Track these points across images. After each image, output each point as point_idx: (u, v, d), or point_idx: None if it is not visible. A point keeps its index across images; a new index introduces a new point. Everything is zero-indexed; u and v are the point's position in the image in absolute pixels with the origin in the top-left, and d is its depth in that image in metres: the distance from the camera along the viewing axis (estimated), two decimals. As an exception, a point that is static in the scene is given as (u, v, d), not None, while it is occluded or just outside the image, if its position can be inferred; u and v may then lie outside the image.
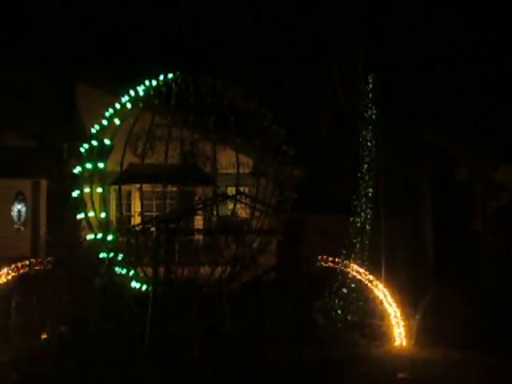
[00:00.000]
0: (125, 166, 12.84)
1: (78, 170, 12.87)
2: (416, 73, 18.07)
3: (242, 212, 13.15)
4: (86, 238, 12.98)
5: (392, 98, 15.90)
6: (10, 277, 11.98)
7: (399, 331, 13.42)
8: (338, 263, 14.13)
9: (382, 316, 13.68)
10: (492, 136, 18.02)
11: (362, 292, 14.36)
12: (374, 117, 15.65)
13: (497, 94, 18.12)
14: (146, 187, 13.19)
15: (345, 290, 14.80)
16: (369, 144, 15.65)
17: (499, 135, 17.98)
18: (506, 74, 18.20)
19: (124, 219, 14.34)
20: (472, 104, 18.13)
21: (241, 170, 12.99)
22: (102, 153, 12.65)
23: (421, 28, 18.18)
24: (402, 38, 17.76)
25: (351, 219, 15.43)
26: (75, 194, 12.80)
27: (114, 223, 13.51)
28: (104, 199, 12.78)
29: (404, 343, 13.33)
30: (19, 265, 12.01)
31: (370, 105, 15.74)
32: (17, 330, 10.59)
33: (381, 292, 13.59)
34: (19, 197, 18.75)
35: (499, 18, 18.18)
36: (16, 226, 18.69)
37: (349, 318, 14.54)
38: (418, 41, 18.06)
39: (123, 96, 13.03)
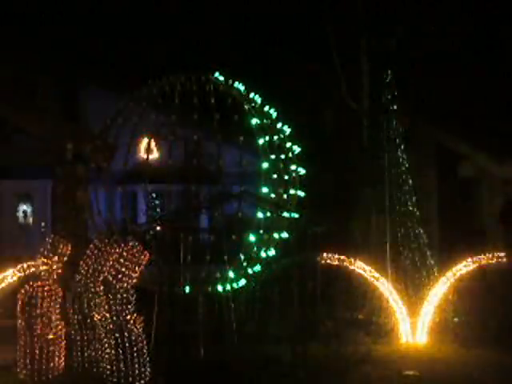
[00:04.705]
0: (129, 166, 12.84)
1: (82, 170, 12.88)
2: (420, 69, 18.05)
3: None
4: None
5: (396, 95, 15.87)
6: (16, 277, 11.98)
7: (405, 328, 13.42)
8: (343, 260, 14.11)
9: (388, 313, 13.69)
10: (496, 132, 17.99)
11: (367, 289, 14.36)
12: (378, 114, 15.65)
13: (500, 91, 18.09)
14: (151, 187, 13.20)
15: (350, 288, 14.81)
16: (374, 141, 15.66)
17: (503, 131, 17.95)
18: (510, 70, 18.18)
19: (129, 219, 14.35)
20: (476, 100, 18.11)
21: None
22: (106, 153, 12.65)
23: (425, 24, 18.17)
24: (406, 35, 17.74)
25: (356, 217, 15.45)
26: (80, 194, 12.81)
27: (119, 223, 13.51)
28: (109, 199, 12.79)
29: (410, 340, 13.34)
30: (25, 265, 11.99)
31: (374, 102, 15.75)
32: (23, 331, 10.56)
33: (387, 289, 13.59)
34: (24, 197, 18.82)
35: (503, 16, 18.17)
36: (21, 226, 18.77)
37: (354, 315, 14.56)
38: (421, 37, 18.05)
39: (127, 96, 13.03)
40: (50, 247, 10.59)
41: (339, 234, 15.70)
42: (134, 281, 9.91)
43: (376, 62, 16.57)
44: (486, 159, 19.23)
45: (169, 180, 12.57)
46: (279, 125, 13.12)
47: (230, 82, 13.18)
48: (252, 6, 19.65)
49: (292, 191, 13.01)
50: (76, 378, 10.69)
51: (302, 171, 13.20)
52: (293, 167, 13.05)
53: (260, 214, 12.54)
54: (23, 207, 18.95)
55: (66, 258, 10.75)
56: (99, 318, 10.09)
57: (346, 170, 17.82)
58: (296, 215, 13.04)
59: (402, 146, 15.32)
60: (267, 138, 12.84)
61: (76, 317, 10.85)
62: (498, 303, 14.16)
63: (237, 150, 12.75)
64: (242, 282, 12.68)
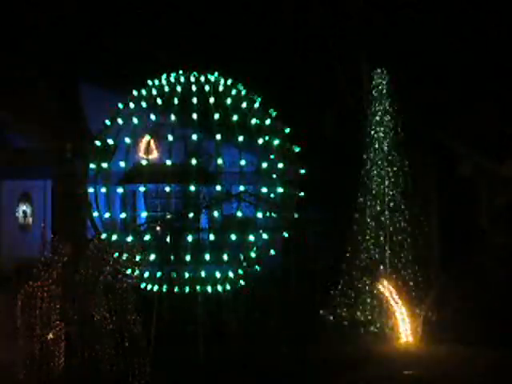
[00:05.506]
0: (129, 166, 12.85)
1: (82, 170, 12.89)
2: (419, 69, 18.04)
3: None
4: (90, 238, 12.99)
5: (396, 95, 15.89)
6: (15, 278, 12.00)
7: (405, 328, 13.42)
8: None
9: (388, 313, 13.69)
10: (495, 131, 17.99)
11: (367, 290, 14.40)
12: (378, 114, 15.65)
13: (500, 90, 18.09)
14: (151, 187, 13.20)
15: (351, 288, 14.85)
16: (373, 141, 15.67)
17: (503, 131, 17.95)
18: (509, 69, 18.17)
19: (129, 219, 14.34)
20: (475, 100, 18.10)
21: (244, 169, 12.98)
22: (105, 153, 12.66)
23: (424, 24, 18.16)
24: (406, 34, 17.73)
25: (355, 217, 15.47)
26: (80, 194, 12.82)
27: (119, 223, 13.52)
28: (108, 199, 12.79)
29: (410, 340, 13.34)
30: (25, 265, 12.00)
31: (374, 102, 15.75)
32: (23, 331, 10.56)
33: (386, 289, 13.59)
34: (24, 198, 18.81)
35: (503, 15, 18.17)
36: (21, 226, 18.76)
37: (355, 315, 14.58)
38: (421, 37, 18.03)
39: (126, 95, 13.04)
40: (50, 247, 10.59)
41: (338, 234, 15.69)
42: (134, 281, 9.92)
43: (376, 62, 16.55)
44: (485, 159, 19.21)
45: (168, 180, 12.57)
46: (279, 125, 13.14)
47: (230, 82, 13.19)
48: (251, 6, 19.65)
49: (291, 191, 13.02)
50: (76, 378, 10.68)
51: (301, 171, 13.21)
52: (292, 167, 13.06)
53: (260, 214, 12.56)
54: (23, 207, 18.94)
55: (65, 258, 10.75)
56: (99, 317, 10.09)
57: (346, 169, 17.79)
58: (296, 215, 13.05)
59: (402, 146, 15.35)
60: (267, 138, 12.87)
61: (76, 317, 10.83)
62: (494, 302, 14.20)
63: (236, 150, 12.77)
64: (242, 282, 12.71)
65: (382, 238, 15.00)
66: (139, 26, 19.56)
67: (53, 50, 18.54)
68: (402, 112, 15.62)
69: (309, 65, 19.43)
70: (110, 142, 12.83)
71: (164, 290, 12.35)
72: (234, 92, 13.10)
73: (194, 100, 12.59)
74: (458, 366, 11.66)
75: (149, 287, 12.55)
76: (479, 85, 18.08)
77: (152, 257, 12.26)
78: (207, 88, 12.90)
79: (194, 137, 12.52)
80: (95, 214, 12.79)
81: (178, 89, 12.96)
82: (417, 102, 17.47)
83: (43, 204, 18.70)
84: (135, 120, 12.71)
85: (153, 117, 12.69)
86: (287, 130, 13.26)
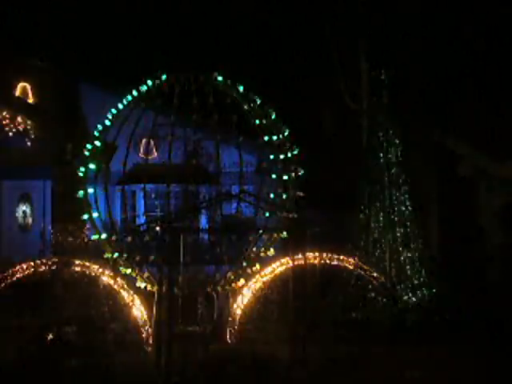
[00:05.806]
0: (129, 167, 12.85)
1: (81, 170, 12.88)
2: (420, 69, 18.06)
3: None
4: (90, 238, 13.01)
5: (396, 95, 15.89)
6: (15, 278, 11.99)
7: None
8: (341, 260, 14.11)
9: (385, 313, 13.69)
10: (496, 132, 18.01)
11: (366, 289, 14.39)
12: (377, 114, 15.66)
13: (501, 90, 18.10)
14: (151, 187, 13.22)
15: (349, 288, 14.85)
16: (372, 141, 15.68)
17: (503, 131, 17.96)
18: (509, 69, 18.19)
19: (128, 219, 14.36)
20: (476, 100, 18.13)
21: (244, 169, 12.99)
22: (105, 153, 12.65)
23: (425, 24, 18.18)
24: (406, 34, 17.75)
25: (355, 216, 15.49)
26: (79, 194, 12.81)
27: (119, 223, 13.53)
28: (108, 199, 12.79)
29: (408, 340, 13.33)
30: (24, 266, 12.01)
31: (373, 102, 15.76)
32: (22, 331, 10.58)
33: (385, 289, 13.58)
34: (24, 198, 18.81)
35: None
36: (21, 227, 18.76)
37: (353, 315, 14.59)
38: (422, 36, 18.06)
39: (126, 96, 13.04)
40: (50, 248, 10.61)
41: (338, 234, 15.71)
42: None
43: (375, 62, 16.57)
44: (485, 159, 19.23)
45: (168, 180, 12.58)
46: (278, 125, 13.14)
47: (230, 82, 13.19)
48: (251, 6, 19.67)
49: (291, 191, 13.02)
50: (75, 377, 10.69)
51: (301, 171, 13.20)
52: (292, 167, 13.06)
53: (259, 214, 12.56)
54: (23, 207, 18.95)
55: (65, 259, 10.77)
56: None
57: (346, 169, 17.82)
58: (295, 215, 13.03)
59: (402, 146, 15.36)
60: (266, 138, 12.87)
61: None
62: (494, 302, 14.19)
63: (236, 150, 12.78)
64: (242, 281, 12.71)
65: (381, 238, 15.02)
66: (140, 27, 19.59)
67: (54, 52, 18.57)
68: (401, 112, 15.63)
69: (308, 65, 19.46)
70: (110, 142, 12.82)
71: (164, 290, 12.33)
72: (233, 92, 13.10)
73: (194, 100, 12.60)
74: (458, 366, 11.66)
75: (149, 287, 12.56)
76: (479, 85, 18.11)
77: (152, 257, 12.27)
78: (207, 88, 12.90)
79: (194, 137, 12.53)
80: (95, 214, 12.77)
81: (178, 89, 12.96)
82: (417, 101, 17.50)
83: (43, 204, 18.70)
84: (135, 120, 12.72)
85: (153, 117, 12.70)
86: (287, 130, 13.26)
